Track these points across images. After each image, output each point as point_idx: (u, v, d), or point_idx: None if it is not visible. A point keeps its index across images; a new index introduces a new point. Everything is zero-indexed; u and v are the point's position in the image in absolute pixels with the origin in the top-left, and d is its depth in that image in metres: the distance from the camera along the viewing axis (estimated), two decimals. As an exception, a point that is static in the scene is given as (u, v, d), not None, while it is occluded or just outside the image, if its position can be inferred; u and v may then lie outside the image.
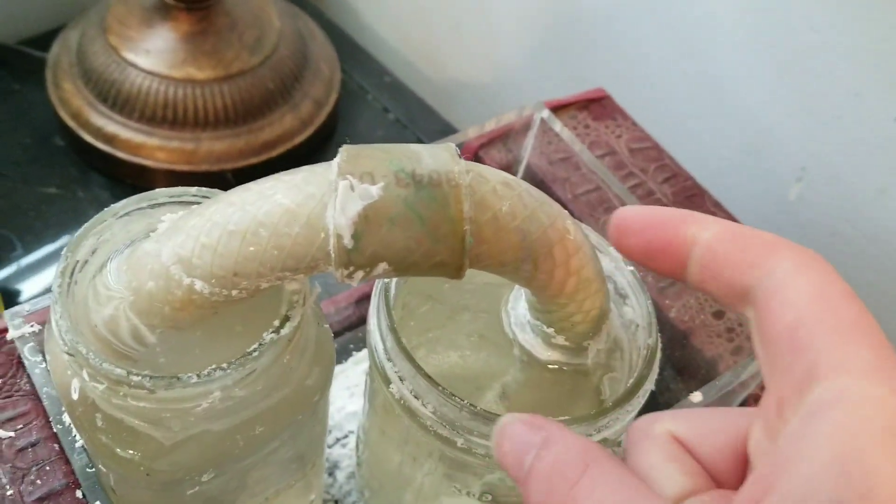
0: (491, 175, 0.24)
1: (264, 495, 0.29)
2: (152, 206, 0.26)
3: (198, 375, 0.22)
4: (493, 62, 0.64)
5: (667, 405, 0.32)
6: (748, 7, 0.46)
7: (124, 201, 0.26)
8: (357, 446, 0.37)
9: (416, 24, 0.69)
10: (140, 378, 0.22)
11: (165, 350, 0.24)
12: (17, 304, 0.52)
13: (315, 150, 0.59)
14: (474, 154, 0.40)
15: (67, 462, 0.29)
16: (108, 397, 0.23)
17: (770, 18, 0.46)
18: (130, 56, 0.54)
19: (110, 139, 0.55)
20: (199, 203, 0.25)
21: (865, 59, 0.43)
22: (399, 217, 0.22)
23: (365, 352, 0.43)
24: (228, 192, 0.24)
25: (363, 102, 0.64)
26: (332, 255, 0.22)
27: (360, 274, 0.23)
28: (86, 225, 0.25)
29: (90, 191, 0.57)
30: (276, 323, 0.24)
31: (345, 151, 0.23)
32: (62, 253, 0.24)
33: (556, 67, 0.59)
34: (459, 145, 0.42)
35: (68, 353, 0.23)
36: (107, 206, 0.58)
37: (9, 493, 0.29)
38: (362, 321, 0.45)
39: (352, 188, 0.22)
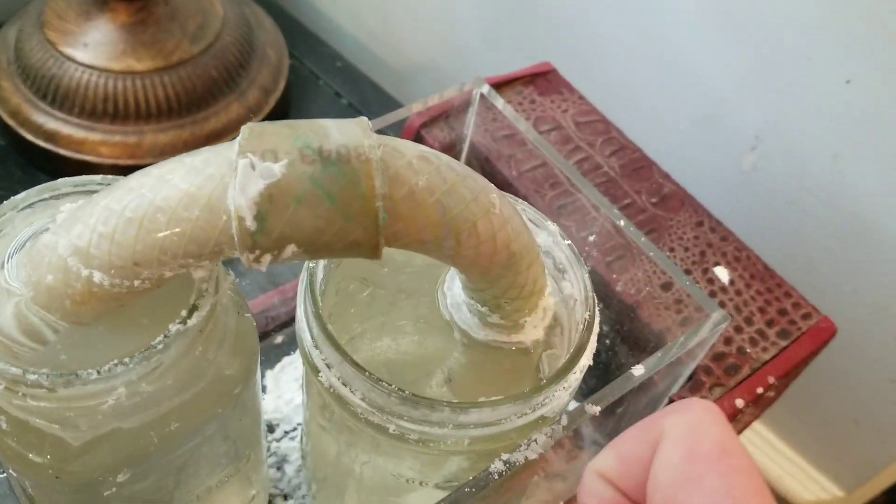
0: (406, 149, 0.23)
1: (195, 493, 0.28)
2: (56, 197, 0.25)
3: (98, 371, 0.21)
4: (449, 43, 0.63)
5: (615, 378, 0.31)
6: (695, -27, 0.45)
7: (25, 193, 0.25)
8: (301, 438, 0.36)
9: (371, 7, 0.67)
10: (37, 377, 0.21)
11: (66, 347, 0.23)
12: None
13: (265, 139, 0.58)
14: (415, 133, 0.39)
15: (-11, 469, 0.28)
16: (9, 398, 0.22)
17: (717, -16, 0.45)
18: (69, 50, 0.53)
19: (51, 136, 0.53)
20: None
21: (815, 22, 0.42)
22: (306, 196, 0.21)
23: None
24: (128, 177, 0.23)
25: (315, 88, 0.62)
26: (236, 239, 0.21)
27: (267, 257, 0.22)
28: (-17, 219, 0.24)
29: (34, 190, 0.55)
30: (184, 313, 0.22)
31: (247, 129, 0.22)
32: (-43, 249, 0.23)
33: (510, 45, 0.58)
34: (402, 122, 0.41)
35: (-38, 354, 0.22)
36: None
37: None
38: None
39: (252, 167, 0.21)
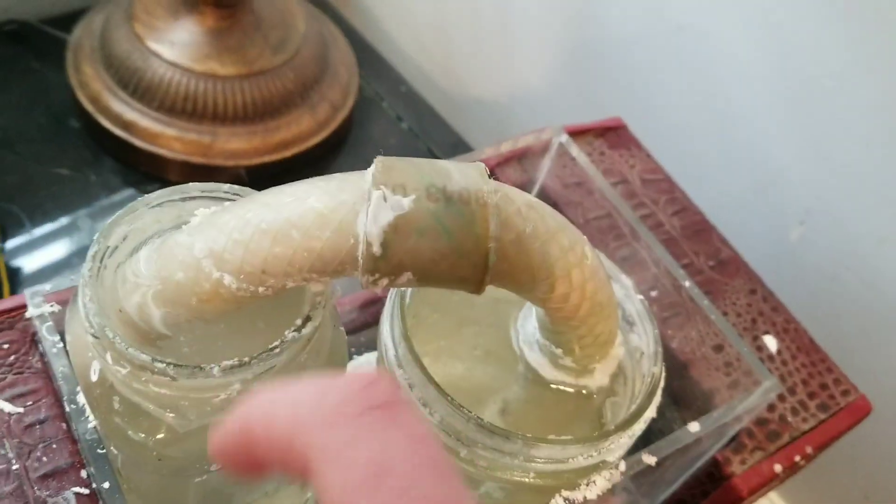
0: (517, 196, 0.25)
1: (263, 490, 0.30)
2: (184, 199, 0.26)
3: (221, 368, 0.23)
4: (510, 81, 0.65)
5: (661, 433, 0.33)
6: (767, 49, 0.47)
7: (157, 193, 0.26)
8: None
9: (435, 37, 0.70)
10: (164, 365, 0.23)
11: (189, 340, 0.24)
12: (20, 280, 0.53)
13: (328, 152, 0.60)
14: (491, 171, 0.41)
15: (74, 441, 0.30)
16: (129, 381, 0.24)
17: (788, 62, 0.47)
18: (155, 46, 0.55)
19: (127, 126, 0.55)
20: (230, 200, 0.26)
21: (879, 110, 0.44)
22: (428, 230, 0.23)
23: (367, 356, 0.44)
24: (263, 192, 0.24)
25: (378, 109, 0.65)
26: (360, 261, 0.23)
27: (384, 281, 0.24)
28: (119, 213, 0.25)
29: (102, 175, 0.57)
30: (299, 322, 0.24)
31: (379, 162, 0.24)
32: (94, 238, 0.25)
33: (572, 92, 0.60)
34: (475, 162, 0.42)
35: (94, 336, 0.23)
36: (118, 192, 0.58)
37: (14, 467, 0.29)
38: (365, 325, 0.46)
39: (384, 199, 0.23)
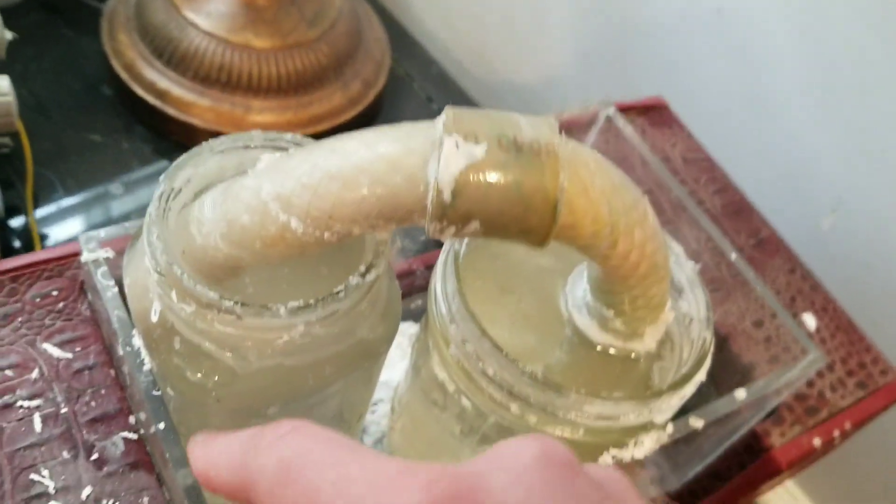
0: (584, 152, 0.25)
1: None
2: (247, 147, 0.27)
3: (286, 308, 0.23)
4: (541, 63, 0.65)
5: (694, 405, 0.33)
6: (806, 35, 0.47)
7: (221, 139, 0.27)
8: (392, 413, 0.38)
9: (466, 18, 0.70)
10: (231, 304, 0.23)
11: (254, 281, 0.24)
12: (49, 245, 0.53)
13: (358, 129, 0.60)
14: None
15: (122, 388, 0.30)
16: (193, 321, 0.24)
17: (827, 47, 0.47)
18: (191, 15, 0.55)
19: (161, 94, 0.55)
20: (292, 148, 0.26)
21: (916, 98, 0.44)
22: (498, 178, 0.23)
23: (400, 326, 0.44)
24: (330, 139, 0.25)
25: (409, 89, 0.65)
26: (430, 209, 0.23)
27: (452, 229, 0.24)
28: (183, 156, 0.26)
29: (134, 143, 0.57)
30: (363, 268, 0.24)
31: (450, 111, 0.24)
32: (160, 179, 0.25)
33: (605, 75, 0.60)
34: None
35: (160, 274, 0.23)
36: (149, 160, 0.59)
37: (63, 410, 0.29)
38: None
39: (457, 146, 0.23)
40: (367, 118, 0.61)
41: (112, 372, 0.30)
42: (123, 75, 0.56)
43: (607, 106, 0.38)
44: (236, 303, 0.23)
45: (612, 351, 0.30)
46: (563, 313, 0.32)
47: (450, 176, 0.23)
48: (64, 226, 0.54)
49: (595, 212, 0.25)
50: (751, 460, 0.34)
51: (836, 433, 0.34)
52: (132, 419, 0.30)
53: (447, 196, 0.23)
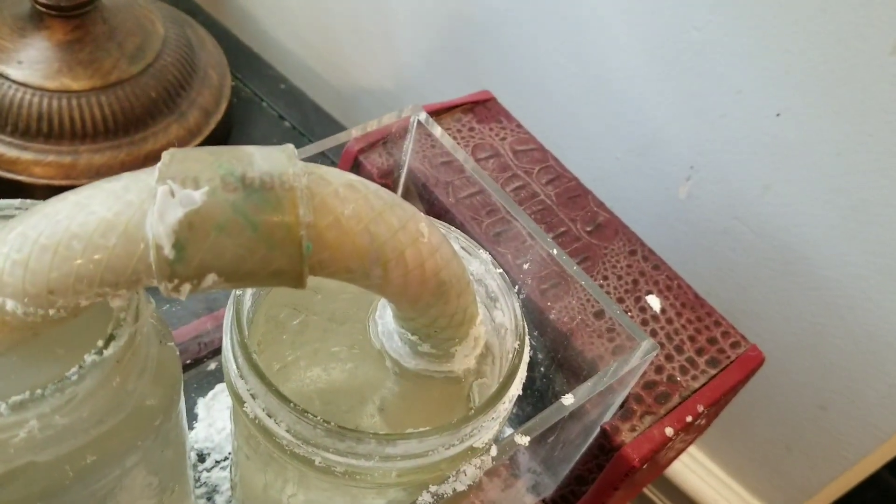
0: (333, 177, 0.23)
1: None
2: (-31, 221, 0.24)
3: (8, 404, 0.20)
4: (393, 66, 0.63)
5: (539, 410, 0.31)
6: (632, 8, 0.46)
7: (-63, 217, 0.24)
8: (231, 468, 0.35)
9: (315, 30, 0.67)
10: (-60, 409, 0.20)
11: (-25, 377, 0.22)
12: None
13: (206, 160, 0.57)
14: (354, 158, 0.39)
15: None
16: (-89, 432, 0.21)
17: (653, 19, 0.46)
18: (1, 67, 0.51)
19: (-19, 154, 0.51)
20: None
21: (746, 56, 0.43)
22: (227, 224, 0.21)
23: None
24: (44, 202, 0.22)
25: (258, 110, 0.62)
26: (154, 268, 0.21)
27: (186, 287, 0.21)
28: None
29: (-38, 210, 0.53)
30: (100, 343, 0.22)
31: (168, 155, 0.22)
32: None
33: (451, 71, 0.59)
34: (340, 147, 0.40)
35: None
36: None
37: None
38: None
39: (171, 194, 0.21)
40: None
41: None
42: (-61, 139, 0.52)
43: (418, 111, 0.36)
44: (-54, 407, 0.20)
45: (429, 375, 0.28)
46: (373, 342, 0.30)
47: (167, 228, 0.20)
48: None
49: (352, 242, 0.22)
50: (606, 460, 0.33)
51: (690, 418, 0.33)
52: None
53: (168, 251, 0.21)
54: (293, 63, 0.69)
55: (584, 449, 0.34)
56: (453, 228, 0.29)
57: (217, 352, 0.41)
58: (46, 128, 0.51)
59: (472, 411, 0.26)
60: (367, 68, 0.65)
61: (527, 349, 0.27)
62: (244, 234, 0.21)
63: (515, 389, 0.26)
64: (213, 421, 0.39)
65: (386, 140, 0.39)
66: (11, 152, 0.51)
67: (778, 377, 0.50)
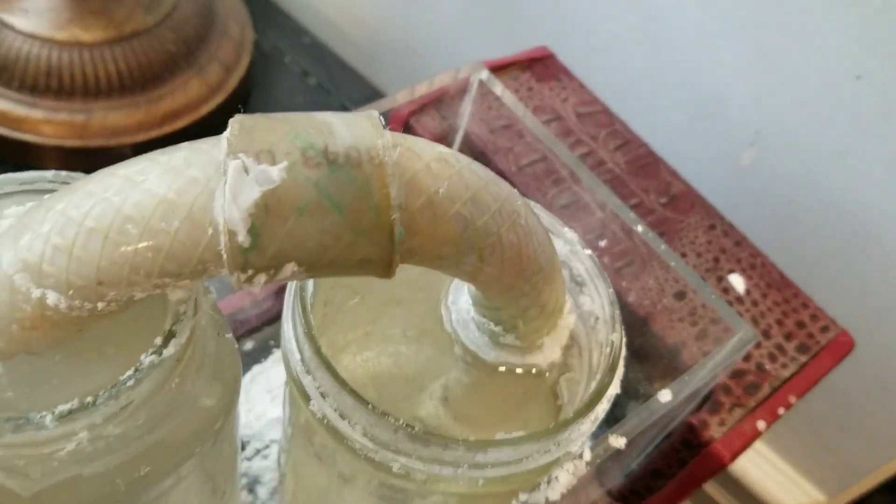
0: (423, 150, 0.20)
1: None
2: (-4, 197, 0.20)
3: (55, 415, 0.17)
4: (424, 21, 0.59)
5: (626, 396, 0.29)
6: (698, -45, 0.42)
7: (-43, 191, 0.20)
8: (279, 457, 0.33)
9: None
10: (-25, 422, 0.17)
11: (14, 381, 0.19)
12: None
13: (226, 120, 0.53)
14: (404, 123, 0.36)
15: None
16: (-59, 445, 0.18)
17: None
18: (6, 17, 0.47)
19: (-13, 112, 0.48)
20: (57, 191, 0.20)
21: (825, 11, 0.40)
22: (310, 206, 0.18)
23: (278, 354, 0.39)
24: (88, 177, 0.19)
25: (280, 66, 0.58)
26: (225, 257, 0.18)
27: (262, 277, 0.18)
28: None
29: (-33, 171, 0.50)
30: (159, 341, 0.19)
31: (236, 123, 0.18)
32: None
33: (492, 25, 0.55)
34: (387, 113, 0.37)
35: None
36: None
37: None
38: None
39: (245, 170, 0.17)
40: (233, 105, 0.54)
41: None
42: (-60, 95, 0.49)
43: (479, 69, 0.33)
44: (-18, 419, 0.17)
45: (509, 369, 0.25)
46: (448, 331, 0.26)
47: (241, 212, 0.17)
48: None
49: (446, 227, 0.19)
50: (690, 456, 0.30)
51: (782, 410, 0.30)
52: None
53: (243, 238, 0.17)
54: (315, 15, 0.65)
55: (658, 442, 0.32)
56: (536, 204, 0.26)
57: (254, 330, 0.38)
58: (56, 83, 0.47)
59: (568, 410, 0.23)
60: (394, 23, 0.61)
61: (624, 341, 0.24)
62: (328, 217, 0.18)
63: (615, 388, 0.23)
64: (252, 406, 0.36)
65: (440, 102, 0.35)
66: (19, 110, 0.48)
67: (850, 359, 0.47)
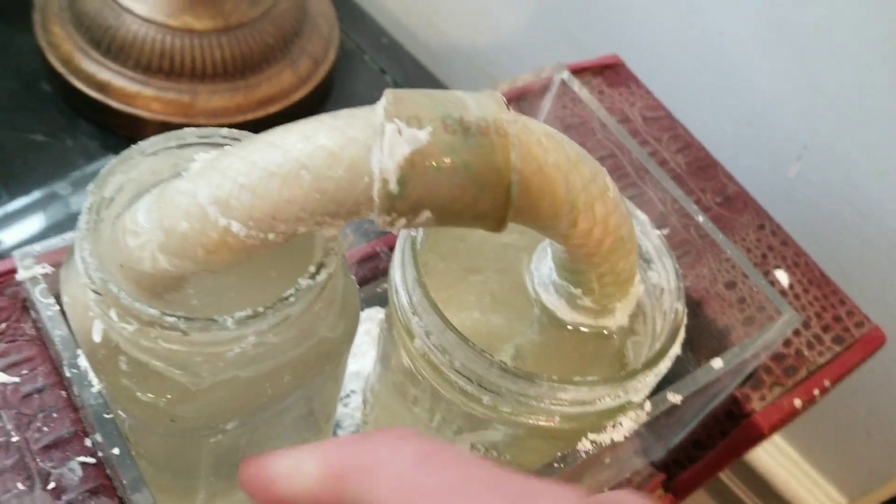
0: (535, 126, 0.24)
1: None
2: (180, 147, 0.25)
3: (234, 319, 0.22)
4: (493, 27, 0.63)
5: (674, 374, 0.32)
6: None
7: (152, 139, 0.25)
8: (364, 405, 0.37)
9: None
10: (175, 319, 0.21)
11: (198, 292, 0.23)
12: (1, 253, 0.50)
13: (312, 108, 0.58)
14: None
15: (75, 409, 0.29)
16: (137, 339, 0.22)
17: (783, -6, 0.45)
18: (126, 2, 0.52)
19: (102, 87, 0.53)
20: (228, 145, 0.25)
21: (876, 35, 0.43)
22: (446, 163, 0.22)
23: (368, 312, 0.43)
24: (267, 132, 0.23)
25: (360, 63, 0.63)
26: (376, 201, 0.22)
27: (402, 221, 0.22)
28: (113, 161, 0.24)
29: (79, 139, 0.55)
30: (312, 269, 0.23)
31: (390, 94, 0.23)
32: (88, 189, 0.23)
33: (557, 35, 0.59)
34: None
35: (96, 293, 0.22)
36: (96, 156, 0.56)
37: (14, 439, 0.28)
38: (364, 281, 0.44)
39: (399, 132, 0.22)
40: (319, 96, 0.58)
41: (63, 393, 0.29)
42: (61, 70, 0.54)
43: (560, 69, 0.37)
44: (180, 318, 0.21)
45: (583, 329, 0.29)
46: (530, 292, 0.31)
47: (394, 164, 0.21)
48: (11, 231, 0.52)
49: (552, 190, 0.23)
50: (732, 427, 0.33)
51: (817, 392, 0.34)
52: (88, 442, 0.28)
53: (393, 186, 0.22)
54: (392, 18, 0.70)
55: (704, 414, 0.35)
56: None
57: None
58: (167, 65, 0.52)
59: (628, 367, 0.27)
60: (465, 28, 0.66)
61: (685, 311, 0.28)
62: (459, 174, 0.22)
63: (676, 348, 0.27)
64: (337, 359, 0.40)
65: (521, 97, 0.39)
66: (132, 86, 0.53)
67: (869, 360, 0.50)
